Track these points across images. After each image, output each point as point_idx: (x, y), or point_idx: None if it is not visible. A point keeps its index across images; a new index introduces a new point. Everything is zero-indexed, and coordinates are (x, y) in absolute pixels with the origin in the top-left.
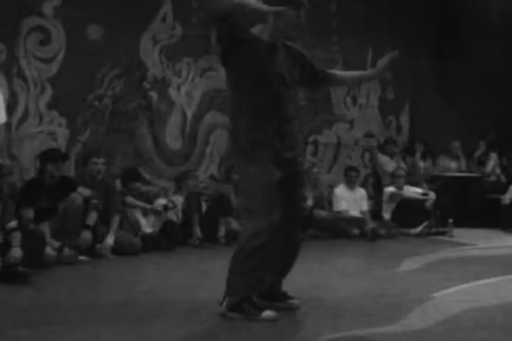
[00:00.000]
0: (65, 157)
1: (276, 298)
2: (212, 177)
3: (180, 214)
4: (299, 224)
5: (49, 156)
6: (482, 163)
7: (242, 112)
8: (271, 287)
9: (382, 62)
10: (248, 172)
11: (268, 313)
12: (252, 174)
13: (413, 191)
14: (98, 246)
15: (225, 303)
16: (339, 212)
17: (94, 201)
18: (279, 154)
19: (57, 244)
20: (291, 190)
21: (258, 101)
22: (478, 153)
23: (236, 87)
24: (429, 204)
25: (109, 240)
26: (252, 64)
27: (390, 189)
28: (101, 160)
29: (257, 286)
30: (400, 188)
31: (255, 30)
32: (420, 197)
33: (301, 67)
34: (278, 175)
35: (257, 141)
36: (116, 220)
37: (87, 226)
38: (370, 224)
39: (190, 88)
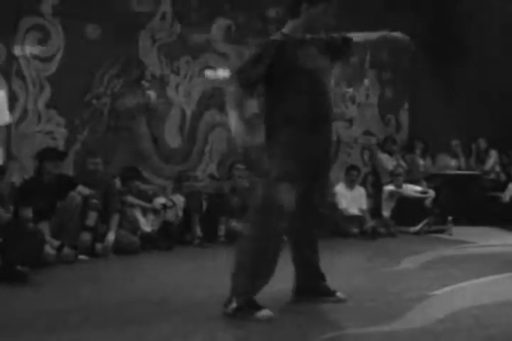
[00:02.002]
0: (63, 155)
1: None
2: (211, 176)
3: (180, 212)
4: (314, 222)
5: (47, 155)
6: (482, 160)
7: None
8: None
9: (394, 34)
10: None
11: (264, 312)
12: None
13: (412, 189)
14: (98, 246)
15: (234, 303)
16: (339, 211)
17: (94, 200)
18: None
19: (56, 243)
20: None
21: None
22: (476, 149)
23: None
24: (428, 202)
25: (110, 239)
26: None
27: (390, 187)
28: (97, 160)
29: (264, 285)
30: (399, 186)
31: (289, 26)
32: (419, 195)
33: (332, 52)
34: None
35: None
36: (116, 219)
37: (87, 227)
38: (370, 223)
39: (188, 87)
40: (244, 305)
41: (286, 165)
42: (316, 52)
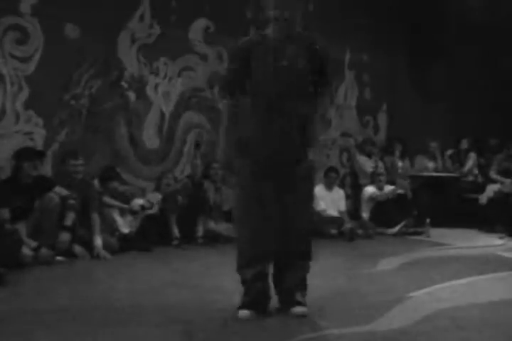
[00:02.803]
0: (41, 154)
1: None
2: (189, 176)
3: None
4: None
5: (24, 154)
6: (461, 162)
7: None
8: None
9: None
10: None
11: (243, 312)
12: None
13: (391, 188)
14: (77, 248)
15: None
16: (317, 212)
17: (71, 201)
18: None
19: (33, 244)
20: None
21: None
22: (452, 152)
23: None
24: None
25: (98, 243)
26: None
27: (370, 189)
28: (79, 161)
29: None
30: (381, 188)
31: (268, 30)
32: (394, 193)
33: (310, 62)
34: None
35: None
36: (96, 220)
37: (65, 227)
38: (348, 224)
39: (167, 87)
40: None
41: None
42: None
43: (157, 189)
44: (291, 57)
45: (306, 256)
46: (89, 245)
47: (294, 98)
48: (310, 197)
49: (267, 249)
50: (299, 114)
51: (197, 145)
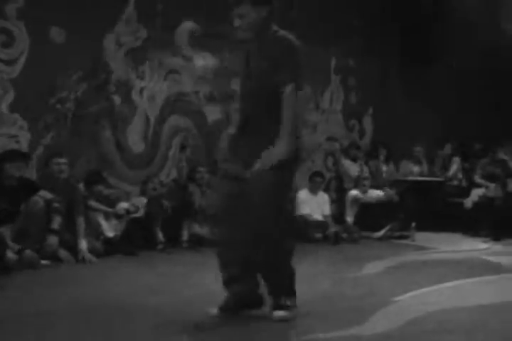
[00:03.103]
0: (25, 156)
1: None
2: (174, 180)
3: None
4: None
5: (7, 156)
6: (445, 167)
7: None
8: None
9: None
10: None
11: (212, 310)
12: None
13: (376, 194)
14: (62, 252)
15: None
16: (302, 216)
17: (56, 204)
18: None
19: (16, 247)
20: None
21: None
22: (441, 156)
23: None
24: (387, 196)
25: (82, 245)
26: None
27: (354, 192)
28: (63, 160)
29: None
30: (364, 192)
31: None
32: (379, 199)
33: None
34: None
35: None
36: (81, 223)
37: (52, 231)
38: (333, 228)
39: (153, 91)
40: None
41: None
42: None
43: (142, 193)
44: (256, 64)
45: (280, 259)
46: (74, 249)
47: (261, 113)
48: (274, 188)
49: (237, 252)
50: (267, 132)
51: (182, 148)
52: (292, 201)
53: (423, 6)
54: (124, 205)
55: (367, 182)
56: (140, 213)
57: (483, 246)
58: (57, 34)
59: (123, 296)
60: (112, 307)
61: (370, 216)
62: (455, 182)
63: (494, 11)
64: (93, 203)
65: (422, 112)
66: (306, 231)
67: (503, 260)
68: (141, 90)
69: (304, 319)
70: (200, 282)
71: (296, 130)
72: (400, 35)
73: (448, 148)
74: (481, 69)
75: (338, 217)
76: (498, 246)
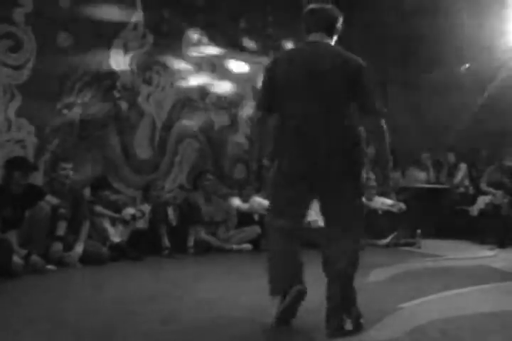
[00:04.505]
0: (32, 167)
1: None
2: (181, 186)
3: (147, 222)
4: None
5: (16, 164)
6: (451, 174)
7: None
8: None
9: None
10: None
11: None
12: None
13: (383, 202)
14: (66, 254)
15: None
16: (308, 223)
17: (62, 210)
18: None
19: (23, 252)
20: None
21: None
22: (446, 163)
23: None
24: (397, 209)
25: (78, 249)
26: None
27: None
28: (69, 165)
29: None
30: (370, 199)
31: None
32: (387, 208)
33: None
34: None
35: None
36: (85, 229)
37: (57, 237)
38: None
39: (160, 97)
40: None
41: None
42: None
43: (145, 200)
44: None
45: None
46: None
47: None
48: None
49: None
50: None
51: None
52: None
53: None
54: (130, 211)
55: (373, 191)
56: (146, 219)
57: (489, 253)
58: (64, 39)
59: (128, 301)
60: (117, 311)
61: (376, 223)
62: (461, 190)
63: None
64: (99, 208)
65: (428, 119)
66: (312, 237)
67: (509, 268)
68: (148, 96)
69: (310, 324)
70: (205, 288)
71: None
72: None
73: (451, 157)
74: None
75: None
76: (504, 254)
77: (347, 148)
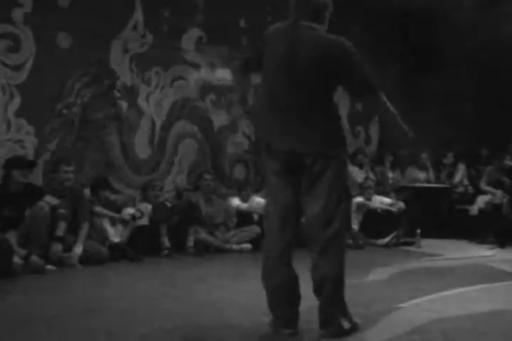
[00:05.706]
0: (31, 164)
1: None
2: (176, 187)
3: (147, 220)
4: None
5: (15, 163)
6: (450, 174)
7: None
8: None
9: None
10: None
11: None
12: None
13: (381, 201)
14: (66, 255)
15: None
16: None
17: (62, 210)
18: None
19: (23, 252)
20: None
21: None
22: (446, 163)
23: None
24: (397, 208)
25: (78, 249)
26: None
27: (358, 199)
28: (71, 168)
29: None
30: (368, 199)
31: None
32: (386, 207)
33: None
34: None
35: None
36: (85, 229)
37: (57, 238)
38: None
39: (159, 97)
40: None
41: None
42: None
43: (144, 199)
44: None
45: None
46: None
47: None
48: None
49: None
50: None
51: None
52: None
53: (423, 16)
54: (129, 211)
55: (371, 191)
56: (145, 219)
57: (489, 253)
58: (63, 39)
59: (127, 301)
60: (116, 312)
61: (375, 223)
62: (461, 189)
63: (494, 22)
64: (99, 208)
65: (427, 119)
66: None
67: (509, 267)
68: (148, 96)
69: (310, 324)
70: (205, 288)
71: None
72: (402, 42)
73: (450, 157)
74: (482, 73)
75: None
76: (503, 253)
77: (327, 145)
